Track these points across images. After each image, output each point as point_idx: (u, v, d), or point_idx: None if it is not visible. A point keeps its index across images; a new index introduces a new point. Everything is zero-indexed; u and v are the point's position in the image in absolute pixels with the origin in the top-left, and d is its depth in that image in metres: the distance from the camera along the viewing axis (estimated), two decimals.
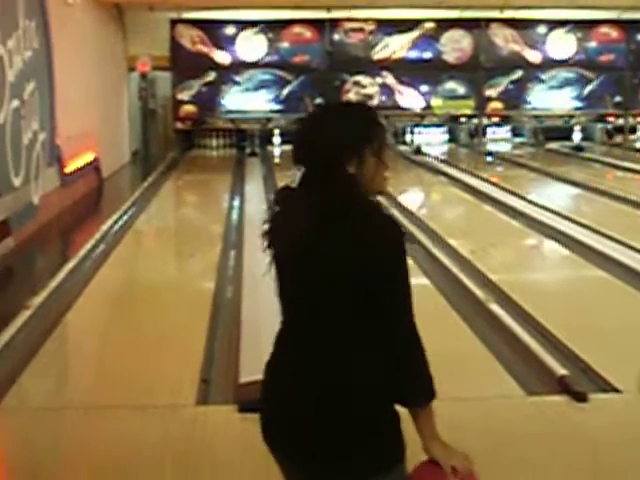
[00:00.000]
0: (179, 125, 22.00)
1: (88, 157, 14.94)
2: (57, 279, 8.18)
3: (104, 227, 10.99)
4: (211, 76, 21.93)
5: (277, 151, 21.68)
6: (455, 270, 8.19)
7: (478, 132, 23.05)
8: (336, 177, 2.36)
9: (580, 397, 5.03)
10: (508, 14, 21.63)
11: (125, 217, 12.06)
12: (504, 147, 22.24)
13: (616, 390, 5.19)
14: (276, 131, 22.26)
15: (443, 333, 6.01)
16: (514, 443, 4.57)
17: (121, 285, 8.60)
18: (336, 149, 2.37)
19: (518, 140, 23.24)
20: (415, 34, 22.50)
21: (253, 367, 5.42)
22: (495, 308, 6.85)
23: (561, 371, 5.35)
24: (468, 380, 5.44)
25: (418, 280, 7.48)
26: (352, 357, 2.36)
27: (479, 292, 7.35)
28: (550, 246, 10.19)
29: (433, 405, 2.39)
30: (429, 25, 22.46)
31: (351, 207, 2.35)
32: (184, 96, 21.88)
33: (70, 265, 8.81)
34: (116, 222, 11.55)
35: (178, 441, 4.63)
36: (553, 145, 22.06)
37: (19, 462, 4.46)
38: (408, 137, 22.75)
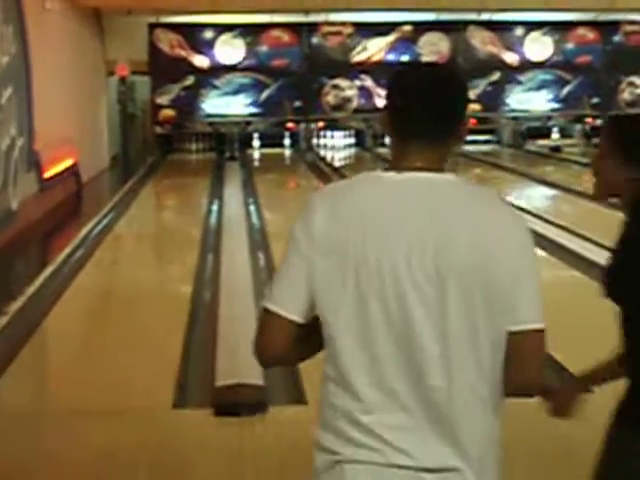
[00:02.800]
0: (158, 129, 21.98)
1: (67, 162, 14.91)
2: (35, 285, 8.18)
3: (83, 232, 10.99)
4: (190, 80, 21.92)
5: (256, 154, 21.73)
6: None
7: None
8: None
9: None
10: (485, 17, 21.72)
11: (104, 222, 12.05)
12: (481, 148, 22.21)
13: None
14: (255, 135, 22.33)
15: None
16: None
17: (99, 290, 8.62)
18: None
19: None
20: (393, 37, 22.58)
21: (229, 371, 5.49)
22: None
23: None
24: None
25: None
26: None
27: None
28: None
29: None
30: (407, 28, 22.53)
31: None
32: (163, 100, 21.87)
33: (48, 271, 8.80)
34: (95, 227, 11.54)
35: (154, 445, 4.67)
36: (531, 147, 22.18)
37: None
38: (387, 139, 22.81)
